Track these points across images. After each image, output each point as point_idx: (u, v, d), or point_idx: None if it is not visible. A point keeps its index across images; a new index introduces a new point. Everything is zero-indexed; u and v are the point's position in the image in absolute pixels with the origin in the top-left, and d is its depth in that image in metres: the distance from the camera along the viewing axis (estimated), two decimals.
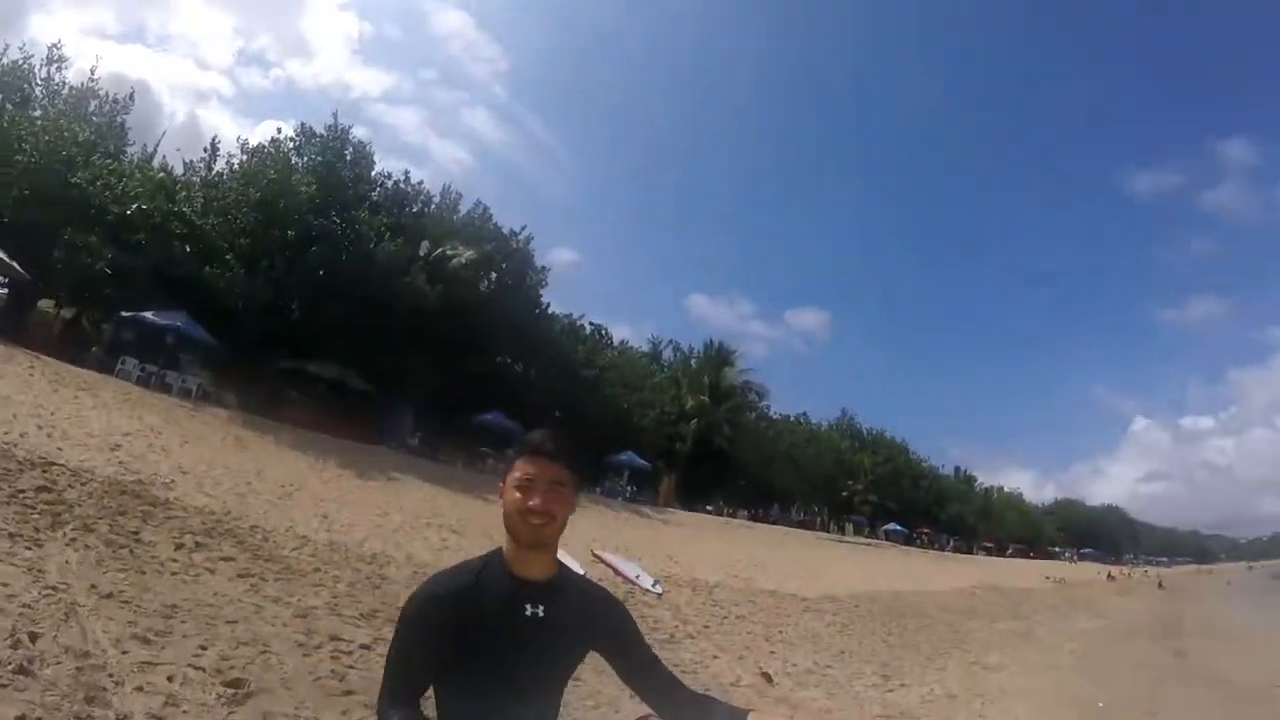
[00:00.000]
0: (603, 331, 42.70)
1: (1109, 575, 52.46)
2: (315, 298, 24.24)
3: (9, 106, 24.69)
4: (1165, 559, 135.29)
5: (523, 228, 32.05)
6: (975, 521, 67.61)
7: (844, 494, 54.95)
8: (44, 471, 7.71)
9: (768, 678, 7.29)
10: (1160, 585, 47.66)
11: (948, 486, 67.69)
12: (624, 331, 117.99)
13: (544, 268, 33.68)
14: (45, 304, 26.92)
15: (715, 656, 7.80)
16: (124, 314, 23.01)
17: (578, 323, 38.92)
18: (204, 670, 4.09)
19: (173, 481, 9.40)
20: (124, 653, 4.03)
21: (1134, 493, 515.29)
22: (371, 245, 25.31)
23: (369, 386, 26.56)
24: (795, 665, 8.23)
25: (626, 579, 10.71)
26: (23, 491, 6.69)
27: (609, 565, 11.43)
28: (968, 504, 67.71)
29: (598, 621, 1.70)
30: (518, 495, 1.61)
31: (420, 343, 26.17)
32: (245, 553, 7.09)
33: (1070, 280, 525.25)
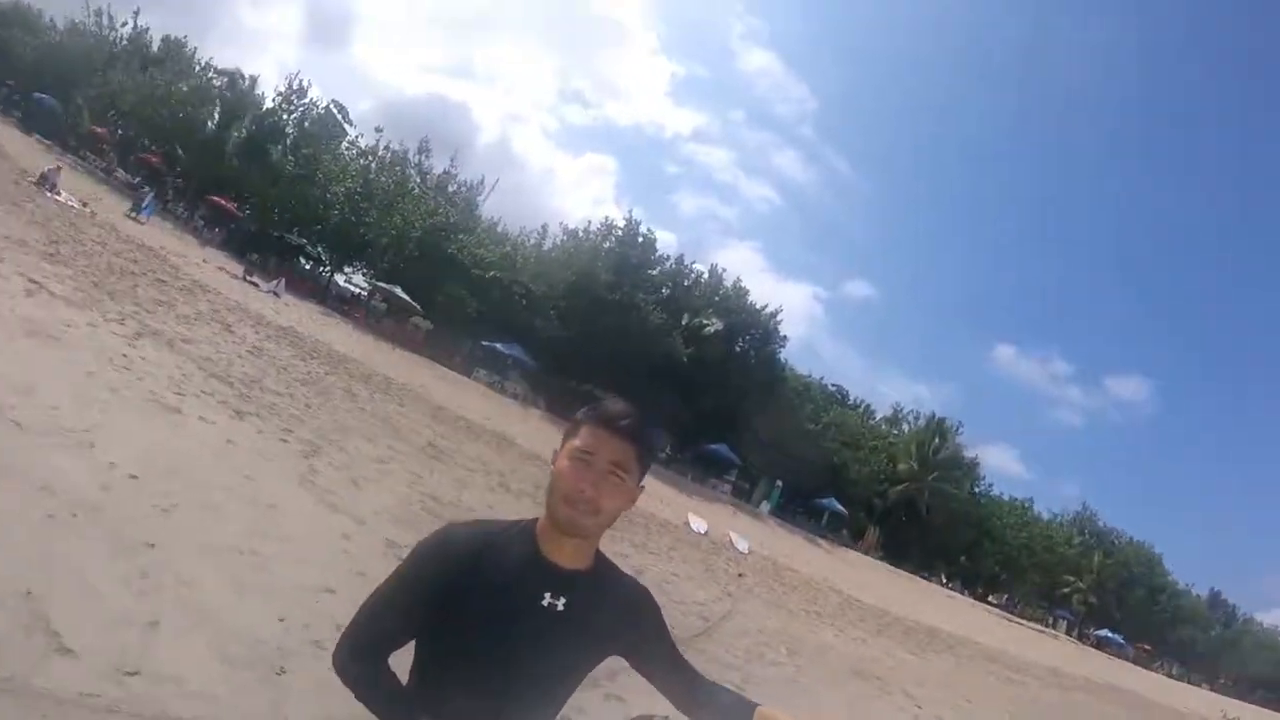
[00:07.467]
0: (841, 391, 52.98)
1: None
2: (601, 348, 33.50)
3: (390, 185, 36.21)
4: None
5: (765, 306, 40.15)
6: (1215, 650, 60.38)
7: (1063, 590, 53.59)
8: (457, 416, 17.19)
9: None
10: None
11: (1187, 607, 61.74)
12: (898, 385, 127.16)
13: (784, 336, 41.17)
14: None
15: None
16: (483, 342, 34.28)
17: (811, 381, 47.97)
18: None
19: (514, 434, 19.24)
20: None
21: None
22: (646, 314, 34.52)
23: None
24: None
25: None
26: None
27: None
28: (1203, 630, 61.09)
29: (627, 623, 1.46)
30: (567, 468, 1.34)
31: (669, 383, 34.30)
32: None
33: None
